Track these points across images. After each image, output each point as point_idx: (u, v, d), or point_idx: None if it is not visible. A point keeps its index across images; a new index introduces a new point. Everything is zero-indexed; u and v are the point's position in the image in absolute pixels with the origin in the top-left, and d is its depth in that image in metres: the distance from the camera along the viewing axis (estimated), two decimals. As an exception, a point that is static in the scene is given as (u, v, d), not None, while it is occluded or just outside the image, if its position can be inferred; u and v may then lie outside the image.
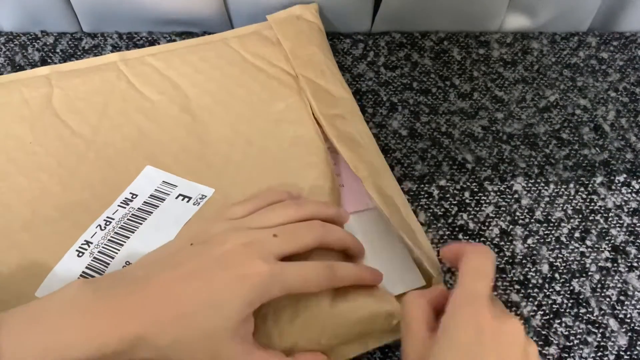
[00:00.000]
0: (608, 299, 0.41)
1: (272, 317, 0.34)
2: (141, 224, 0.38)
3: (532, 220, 0.44)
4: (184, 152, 0.42)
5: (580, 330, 0.40)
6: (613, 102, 0.52)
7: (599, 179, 0.47)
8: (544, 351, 0.39)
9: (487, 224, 0.44)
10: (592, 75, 0.54)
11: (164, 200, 0.39)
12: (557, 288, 0.41)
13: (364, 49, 0.54)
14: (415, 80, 0.52)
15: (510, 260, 0.42)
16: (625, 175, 0.47)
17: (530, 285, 0.41)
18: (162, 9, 0.52)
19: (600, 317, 0.40)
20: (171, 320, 0.29)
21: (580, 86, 0.53)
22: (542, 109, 0.51)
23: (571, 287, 0.41)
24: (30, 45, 0.53)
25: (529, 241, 0.43)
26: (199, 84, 0.46)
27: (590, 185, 0.46)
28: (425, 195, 0.45)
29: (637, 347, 0.39)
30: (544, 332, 0.39)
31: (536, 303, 0.41)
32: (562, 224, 0.44)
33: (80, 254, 0.36)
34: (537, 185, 0.46)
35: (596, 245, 0.43)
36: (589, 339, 0.39)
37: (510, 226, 0.44)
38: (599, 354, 0.39)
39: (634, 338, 0.39)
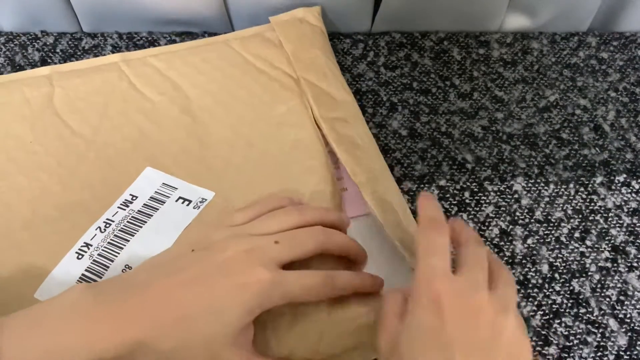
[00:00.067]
0: (608, 299, 0.41)
1: (271, 325, 0.33)
2: (141, 227, 0.38)
3: (532, 221, 0.44)
4: (184, 153, 0.42)
5: (580, 330, 0.40)
6: (613, 102, 0.52)
7: (598, 179, 0.47)
8: (544, 351, 0.39)
9: (487, 224, 0.44)
10: (592, 75, 0.54)
11: (164, 203, 0.39)
12: (557, 288, 0.41)
13: (364, 49, 0.54)
14: (415, 80, 0.52)
15: (510, 260, 0.42)
16: (625, 175, 0.47)
17: (530, 285, 0.41)
18: (162, 9, 0.52)
19: (600, 317, 0.40)
20: (172, 326, 0.29)
21: (580, 86, 0.53)
22: (542, 109, 0.51)
23: (571, 287, 0.41)
24: (30, 45, 0.53)
25: (529, 241, 0.43)
26: (200, 85, 0.46)
27: (590, 186, 0.46)
28: (425, 195, 0.45)
29: (637, 347, 0.39)
30: (543, 332, 0.39)
31: (536, 303, 0.41)
32: (562, 224, 0.44)
33: (80, 256, 0.36)
34: (537, 185, 0.46)
35: (596, 246, 0.43)
36: (589, 339, 0.39)
37: (510, 226, 0.44)
38: (599, 354, 0.39)
39: (634, 338, 0.40)
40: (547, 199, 0.45)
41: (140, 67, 0.47)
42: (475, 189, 0.46)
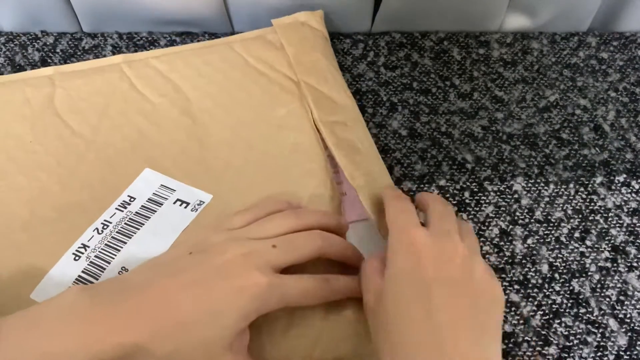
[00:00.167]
0: (608, 299, 0.41)
1: (266, 329, 0.33)
2: (138, 229, 0.38)
3: (532, 220, 0.44)
4: (184, 155, 0.42)
5: (580, 330, 0.40)
6: (613, 102, 0.52)
7: (598, 179, 0.47)
8: (543, 351, 0.39)
9: (486, 224, 0.44)
10: (592, 75, 0.54)
11: (162, 205, 0.39)
12: (557, 288, 0.41)
13: (364, 49, 0.54)
14: (415, 80, 0.52)
15: (510, 260, 0.42)
16: (625, 176, 0.47)
17: (530, 285, 0.41)
18: (162, 9, 0.53)
19: (600, 317, 0.40)
20: (169, 329, 0.29)
21: (580, 86, 0.53)
22: (542, 109, 0.51)
23: (571, 287, 0.41)
24: (30, 45, 0.53)
25: (529, 241, 0.43)
26: (201, 87, 0.45)
27: (590, 186, 0.46)
28: (425, 195, 0.45)
29: (637, 347, 0.39)
30: (543, 332, 0.39)
31: (536, 303, 0.41)
32: (562, 224, 0.44)
33: (77, 258, 0.36)
34: (537, 185, 0.46)
35: (596, 246, 0.43)
36: (589, 339, 0.39)
37: (510, 226, 0.44)
38: (599, 354, 0.39)
39: (634, 338, 0.39)
40: (547, 199, 0.45)
41: (141, 69, 0.47)
42: (475, 189, 0.46)
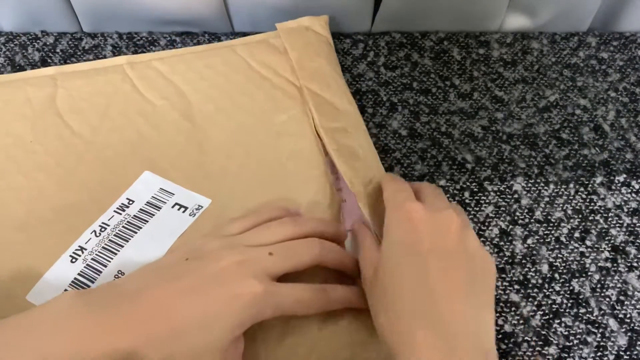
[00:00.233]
0: (608, 299, 0.41)
1: (261, 336, 0.33)
2: (136, 232, 0.37)
3: (532, 221, 0.44)
4: (183, 158, 0.42)
5: (580, 331, 0.40)
6: (613, 102, 0.52)
7: (598, 179, 0.47)
8: (543, 351, 0.39)
9: (486, 224, 0.44)
10: (592, 75, 0.54)
11: (160, 208, 0.39)
12: (557, 288, 0.41)
13: (364, 49, 0.54)
14: (415, 80, 0.52)
15: (510, 261, 0.42)
16: (625, 175, 0.47)
17: (530, 286, 0.41)
18: (162, 9, 0.53)
19: (600, 317, 0.40)
20: (164, 337, 0.29)
21: (580, 86, 0.53)
22: (542, 109, 0.51)
23: (571, 287, 0.41)
24: (30, 45, 0.53)
25: (529, 241, 0.43)
26: (203, 90, 0.45)
27: (590, 186, 0.46)
28: (425, 195, 0.45)
29: (637, 347, 0.39)
30: (543, 332, 0.39)
31: (536, 303, 0.41)
32: (562, 224, 0.44)
33: (74, 260, 0.36)
34: (536, 185, 0.46)
35: (596, 246, 0.43)
36: (589, 339, 0.39)
37: (510, 226, 0.44)
38: (599, 354, 0.39)
39: (634, 338, 0.39)
40: (547, 199, 0.45)
41: (144, 70, 0.46)
42: (475, 189, 0.46)
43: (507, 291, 0.41)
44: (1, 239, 0.37)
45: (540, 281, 0.42)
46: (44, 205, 0.39)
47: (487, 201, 0.45)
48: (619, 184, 0.47)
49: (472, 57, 0.54)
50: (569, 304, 0.41)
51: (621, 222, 0.45)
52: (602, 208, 0.45)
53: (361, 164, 0.42)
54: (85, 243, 0.37)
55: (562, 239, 0.44)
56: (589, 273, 0.42)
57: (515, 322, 0.40)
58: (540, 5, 0.55)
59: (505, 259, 0.42)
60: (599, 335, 0.40)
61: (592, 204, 0.45)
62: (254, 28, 0.54)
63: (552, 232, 0.44)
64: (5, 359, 0.27)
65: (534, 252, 0.43)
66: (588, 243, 0.44)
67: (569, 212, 0.45)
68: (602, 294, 0.41)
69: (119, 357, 0.28)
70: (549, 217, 0.45)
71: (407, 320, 0.31)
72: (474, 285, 0.32)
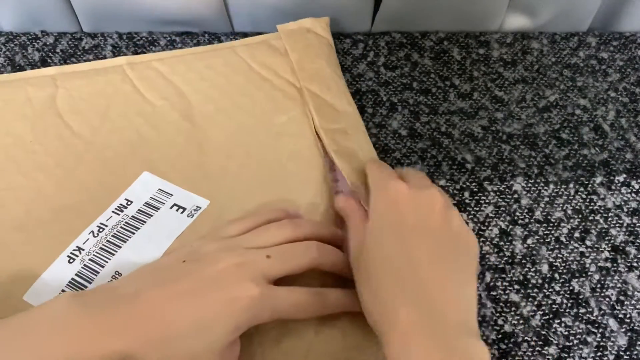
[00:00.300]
0: (608, 299, 0.41)
1: (257, 339, 0.33)
2: (134, 233, 0.37)
3: (532, 221, 0.44)
4: (182, 159, 0.42)
5: (580, 330, 0.40)
6: (613, 102, 0.52)
7: (598, 179, 0.47)
8: (543, 351, 0.39)
9: (486, 224, 0.44)
10: (592, 75, 0.54)
11: (159, 209, 0.39)
12: (557, 288, 0.41)
13: (364, 49, 0.54)
14: (415, 80, 0.52)
15: (510, 261, 0.42)
16: (625, 175, 0.47)
17: (530, 286, 0.41)
18: (162, 9, 0.53)
19: (599, 317, 0.40)
20: (160, 339, 0.29)
21: (580, 86, 0.53)
22: (542, 109, 0.51)
23: (571, 287, 0.41)
24: (30, 45, 0.53)
25: (529, 241, 0.43)
26: (203, 90, 0.45)
27: (589, 185, 0.46)
28: (425, 195, 0.45)
29: (637, 347, 0.39)
30: (543, 332, 0.39)
31: (536, 303, 0.41)
32: (562, 224, 0.44)
33: (71, 260, 0.36)
34: (536, 185, 0.46)
35: (596, 245, 0.43)
36: (589, 339, 0.39)
37: (510, 226, 0.44)
38: (599, 354, 0.39)
39: (634, 338, 0.39)
40: (546, 199, 0.45)
41: (144, 71, 0.46)
42: (475, 189, 0.46)
43: (507, 291, 0.41)
44: (0, 238, 0.37)
45: (540, 281, 0.42)
46: (43, 206, 0.39)
47: (487, 201, 0.45)
48: (619, 184, 0.47)
49: (472, 57, 0.54)
50: (569, 304, 0.41)
51: (621, 222, 0.45)
52: (602, 208, 0.45)
53: (361, 165, 0.42)
54: (83, 243, 0.37)
55: (562, 239, 0.44)
56: (589, 273, 0.42)
57: (515, 322, 0.40)
58: (540, 5, 0.55)
59: (505, 259, 0.42)
60: (598, 335, 0.40)
61: (592, 204, 0.45)
62: (254, 28, 0.54)
63: (552, 232, 0.44)
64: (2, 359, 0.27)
65: (534, 252, 0.43)
66: (588, 243, 0.44)
67: (569, 212, 0.45)
68: (602, 294, 0.41)
69: (116, 359, 0.28)
70: (549, 217, 0.45)
71: (391, 297, 0.31)
72: (457, 263, 0.33)
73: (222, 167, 0.41)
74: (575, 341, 0.39)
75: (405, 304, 0.30)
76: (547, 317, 0.40)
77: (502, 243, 0.43)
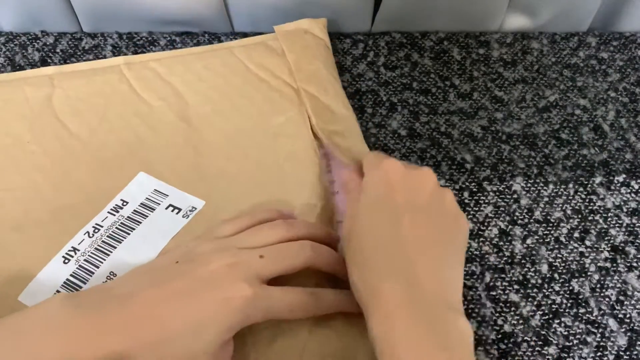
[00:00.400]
0: (607, 299, 0.41)
1: (251, 340, 0.33)
2: (129, 234, 0.37)
3: (531, 221, 0.44)
4: (179, 160, 0.42)
5: (580, 331, 0.40)
6: (613, 102, 0.52)
7: (598, 179, 0.47)
8: (543, 351, 0.39)
9: (486, 224, 0.44)
10: (592, 75, 0.54)
11: (154, 210, 0.39)
12: (557, 288, 0.41)
13: (364, 49, 0.54)
14: (415, 80, 0.52)
15: (510, 261, 0.42)
16: (624, 176, 0.47)
17: (530, 286, 0.41)
18: (162, 9, 0.53)
19: (599, 317, 0.40)
20: (154, 340, 0.29)
21: (580, 86, 0.53)
22: (542, 109, 0.51)
23: (570, 287, 0.41)
24: (30, 45, 0.53)
25: (528, 241, 0.43)
26: (201, 91, 0.45)
27: (589, 186, 0.46)
28: (425, 195, 0.45)
29: (637, 347, 0.39)
30: (543, 332, 0.39)
31: (535, 303, 0.41)
32: (562, 224, 0.44)
33: (67, 261, 0.36)
34: (536, 185, 0.46)
35: (595, 246, 0.43)
36: (589, 339, 0.39)
37: (510, 226, 0.44)
38: (599, 354, 0.39)
39: (634, 338, 0.39)
40: (546, 199, 0.45)
41: (141, 71, 0.46)
42: (475, 189, 0.46)
43: (507, 291, 0.41)
44: None
45: (539, 281, 0.42)
46: (40, 206, 0.39)
47: (487, 201, 0.45)
48: (619, 184, 0.47)
49: (472, 57, 0.54)
50: (569, 304, 0.41)
51: (620, 222, 0.45)
52: (602, 208, 0.45)
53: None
54: (79, 244, 0.37)
55: (562, 239, 0.44)
56: (589, 273, 0.42)
57: (515, 322, 0.40)
58: (540, 5, 0.55)
59: (505, 259, 0.42)
60: (598, 335, 0.40)
61: (591, 204, 0.45)
62: (254, 28, 0.55)
63: (552, 232, 0.44)
64: None
65: (534, 252, 0.43)
66: (587, 243, 0.44)
67: (569, 212, 0.45)
68: (602, 294, 0.41)
69: (111, 359, 0.28)
70: (549, 217, 0.45)
71: (377, 274, 0.31)
72: (446, 242, 0.33)
73: (219, 167, 0.41)
74: (575, 341, 0.39)
75: (390, 279, 0.30)
76: (547, 317, 0.40)
77: (501, 243, 0.43)
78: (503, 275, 0.42)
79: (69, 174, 0.41)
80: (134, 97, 0.45)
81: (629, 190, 0.46)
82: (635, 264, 0.43)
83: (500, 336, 0.39)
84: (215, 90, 0.45)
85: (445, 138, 0.48)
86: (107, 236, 0.37)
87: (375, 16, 0.54)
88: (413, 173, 0.35)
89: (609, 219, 0.45)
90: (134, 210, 0.39)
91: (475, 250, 0.43)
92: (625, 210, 0.45)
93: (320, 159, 0.42)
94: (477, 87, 0.52)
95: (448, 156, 0.47)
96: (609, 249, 0.43)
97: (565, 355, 0.39)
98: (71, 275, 0.35)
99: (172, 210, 0.39)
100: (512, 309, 0.40)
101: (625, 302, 0.41)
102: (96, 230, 0.37)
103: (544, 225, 0.44)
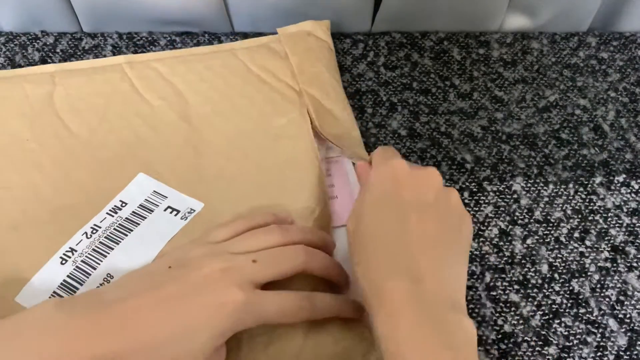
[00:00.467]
0: (607, 299, 0.41)
1: (246, 343, 0.33)
2: (127, 235, 0.37)
3: (532, 221, 0.44)
4: (179, 161, 0.41)
5: (580, 331, 0.40)
6: (613, 102, 0.52)
7: (598, 179, 0.47)
8: (543, 351, 0.39)
9: (486, 224, 0.44)
10: (592, 75, 0.54)
11: (152, 211, 0.39)
12: (557, 288, 0.41)
13: (364, 49, 0.54)
14: (415, 80, 0.52)
15: (510, 261, 0.42)
16: (624, 176, 0.47)
17: (530, 286, 0.41)
18: (162, 9, 0.53)
19: (599, 317, 0.40)
20: (145, 345, 0.28)
21: (580, 86, 0.53)
22: (542, 109, 0.51)
23: (570, 287, 0.41)
24: (30, 45, 0.53)
25: (528, 241, 0.43)
26: (202, 92, 0.45)
27: (589, 186, 0.46)
28: (425, 195, 0.45)
29: (637, 347, 0.39)
30: (543, 332, 0.39)
31: (535, 303, 0.41)
32: (562, 224, 0.44)
33: (64, 262, 0.36)
34: (536, 185, 0.46)
35: (595, 246, 0.43)
36: (589, 339, 0.39)
37: (510, 226, 0.44)
38: (599, 354, 0.39)
39: (634, 338, 0.39)
40: (546, 199, 0.45)
41: (143, 70, 0.46)
42: (475, 189, 0.46)
43: (507, 291, 0.41)
44: None
45: (540, 281, 0.42)
46: (39, 206, 0.39)
47: (487, 201, 0.45)
48: (619, 184, 0.47)
49: (472, 57, 0.54)
50: (569, 304, 0.41)
51: (621, 222, 0.45)
52: (602, 208, 0.45)
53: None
54: (76, 245, 0.36)
55: (562, 239, 0.44)
56: (589, 273, 0.42)
57: (515, 322, 0.40)
58: (540, 5, 0.55)
59: (505, 259, 0.42)
60: (598, 335, 0.40)
61: (591, 204, 0.45)
62: (254, 28, 0.55)
63: (552, 232, 0.44)
64: None
65: (534, 252, 0.43)
66: (588, 243, 0.44)
67: (569, 212, 0.45)
68: (602, 294, 0.41)
69: None
70: (549, 217, 0.45)
71: (383, 271, 0.31)
72: (451, 241, 0.33)
73: (219, 169, 0.41)
74: (575, 341, 0.39)
75: (395, 276, 0.30)
76: (547, 317, 0.40)
77: (501, 243, 0.43)
78: (503, 275, 0.42)
79: (68, 174, 0.40)
80: (135, 97, 0.45)
81: (629, 190, 0.46)
82: (635, 264, 0.43)
83: (500, 336, 0.39)
84: (216, 91, 0.45)
85: (445, 138, 0.48)
86: (105, 237, 0.37)
87: (375, 16, 0.54)
88: (420, 172, 0.35)
89: (609, 219, 0.45)
90: (133, 212, 0.38)
91: (476, 250, 0.43)
92: (625, 210, 0.45)
93: (320, 163, 0.42)
94: (477, 87, 0.52)
95: (448, 156, 0.47)
96: (609, 249, 0.43)
97: (566, 355, 0.39)
98: (68, 276, 0.35)
99: (171, 212, 0.39)
100: (512, 309, 0.40)
101: (626, 302, 0.41)
102: (94, 231, 0.37)
103: (544, 225, 0.44)
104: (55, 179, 0.40)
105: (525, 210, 0.45)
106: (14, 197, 0.39)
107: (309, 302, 0.33)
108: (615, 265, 0.43)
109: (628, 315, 0.40)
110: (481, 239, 0.43)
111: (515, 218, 0.44)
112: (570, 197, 0.46)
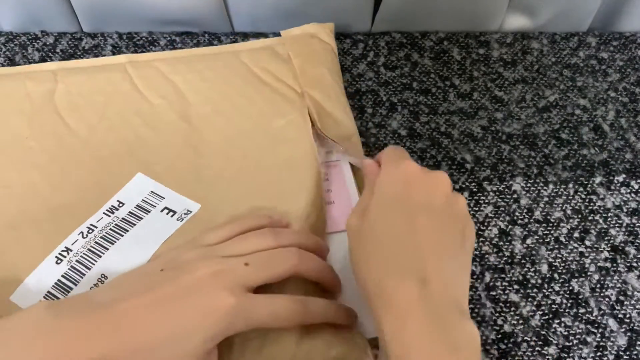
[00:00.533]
0: (607, 299, 0.41)
1: (238, 348, 0.33)
2: (122, 235, 0.37)
3: (531, 221, 0.44)
4: (177, 161, 0.41)
5: (580, 331, 0.40)
6: (613, 102, 0.52)
7: (598, 179, 0.47)
8: (543, 351, 0.39)
9: (486, 224, 0.44)
10: (592, 75, 0.54)
11: (149, 212, 0.38)
12: (557, 288, 0.41)
13: (364, 49, 0.54)
14: (415, 80, 0.52)
15: (510, 261, 0.42)
16: (624, 176, 0.47)
17: (530, 286, 0.41)
18: (162, 9, 0.53)
19: (599, 317, 0.40)
20: (135, 348, 0.28)
21: (580, 86, 0.53)
22: (542, 109, 0.51)
23: (570, 287, 0.41)
24: (30, 45, 0.53)
25: (528, 241, 0.43)
26: (202, 92, 0.45)
27: (589, 186, 0.46)
28: (425, 195, 0.45)
29: (637, 347, 0.39)
30: (543, 332, 0.39)
31: (535, 303, 0.41)
32: (561, 224, 0.44)
33: (59, 261, 0.36)
34: (536, 185, 0.46)
35: (595, 246, 0.43)
36: (589, 339, 0.39)
37: (510, 226, 0.44)
38: (599, 354, 0.39)
39: (633, 338, 0.39)
40: (546, 199, 0.45)
41: (145, 69, 0.46)
42: (475, 189, 0.46)
43: (507, 291, 0.41)
44: None
45: (539, 281, 0.42)
46: (37, 204, 0.38)
47: (487, 201, 0.45)
48: (619, 184, 0.47)
49: (472, 57, 0.54)
50: (569, 304, 0.41)
51: (620, 222, 0.45)
52: (602, 208, 0.45)
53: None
54: (72, 244, 0.36)
55: (562, 239, 0.44)
56: (589, 273, 0.42)
57: (515, 322, 0.40)
58: (540, 5, 0.55)
59: (505, 259, 0.42)
60: (598, 335, 0.40)
61: (591, 204, 0.45)
62: (254, 28, 0.55)
63: (552, 232, 0.44)
64: None
65: (534, 252, 0.43)
66: (587, 243, 0.44)
67: (569, 212, 0.45)
68: (602, 294, 0.41)
69: None
70: (549, 217, 0.45)
71: (385, 270, 0.31)
72: (457, 245, 0.33)
73: (218, 169, 0.41)
74: (575, 341, 0.39)
75: (402, 278, 0.30)
76: (547, 317, 0.40)
77: (501, 243, 0.43)
78: (503, 275, 0.42)
79: (66, 172, 0.40)
80: (136, 95, 0.44)
81: (629, 190, 0.46)
82: (635, 264, 0.43)
83: (500, 336, 0.39)
84: (216, 91, 0.45)
85: (445, 138, 0.48)
86: (101, 237, 0.37)
87: (375, 16, 0.54)
88: (431, 175, 0.35)
89: (609, 219, 0.45)
90: (130, 212, 0.38)
91: (475, 250, 0.43)
92: (625, 210, 0.45)
93: (319, 165, 0.42)
94: (477, 87, 0.52)
95: (448, 156, 0.47)
96: (609, 249, 0.43)
97: (565, 355, 0.39)
98: (62, 276, 0.35)
99: (167, 213, 0.38)
100: (512, 309, 0.40)
101: (625, 302, 0.41)
102: (90, 231, 0.37)
103: (544, 225, 0.44)
104: (54, 178, 0.40)
105: (525, 210, 0.45)
106: (11, 195, 0.39)
107: (301, 306, 0.32)
108: (615, 265, 0.43)
109: (628, 315, 0.40)
110: (481, 239, 0.43)
111: (515, 218, 0.44)
112: (570, 197, 0.46)
